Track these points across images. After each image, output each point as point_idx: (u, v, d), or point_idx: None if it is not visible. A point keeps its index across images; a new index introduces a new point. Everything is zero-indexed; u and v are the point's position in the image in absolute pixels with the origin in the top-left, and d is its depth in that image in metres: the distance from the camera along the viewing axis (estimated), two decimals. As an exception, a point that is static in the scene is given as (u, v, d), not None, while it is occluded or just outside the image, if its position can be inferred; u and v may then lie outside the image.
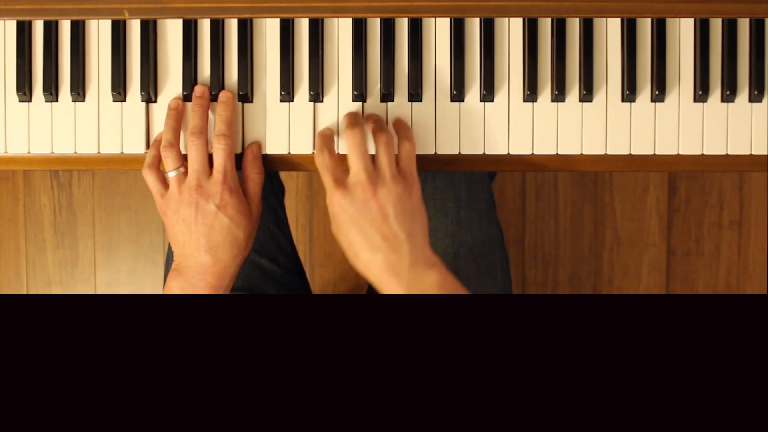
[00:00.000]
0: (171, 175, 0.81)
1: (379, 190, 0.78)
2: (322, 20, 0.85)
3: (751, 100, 0.86)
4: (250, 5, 0.85)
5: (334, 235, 0.81)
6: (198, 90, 0.84)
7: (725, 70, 0.85)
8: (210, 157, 0.82)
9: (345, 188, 0.78)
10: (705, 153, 0.86)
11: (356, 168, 0.78)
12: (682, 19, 0.85)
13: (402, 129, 0.83)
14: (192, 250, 0.81)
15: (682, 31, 0.86)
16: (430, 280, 0.77)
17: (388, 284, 0.78)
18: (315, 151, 0.82)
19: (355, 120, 0.82)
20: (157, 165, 0.83)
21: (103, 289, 1.61)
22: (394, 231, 0.77)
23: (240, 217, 0.81)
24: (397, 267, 0.77)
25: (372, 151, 0.81)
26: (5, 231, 1.61)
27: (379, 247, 0.77)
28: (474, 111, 0.85)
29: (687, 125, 0.86)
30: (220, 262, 0.81)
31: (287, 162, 0.86)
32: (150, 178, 0.83)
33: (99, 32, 0.86)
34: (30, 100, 0.86)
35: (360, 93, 0.85)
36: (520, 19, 0.85)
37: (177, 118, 0.84)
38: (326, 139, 0.82)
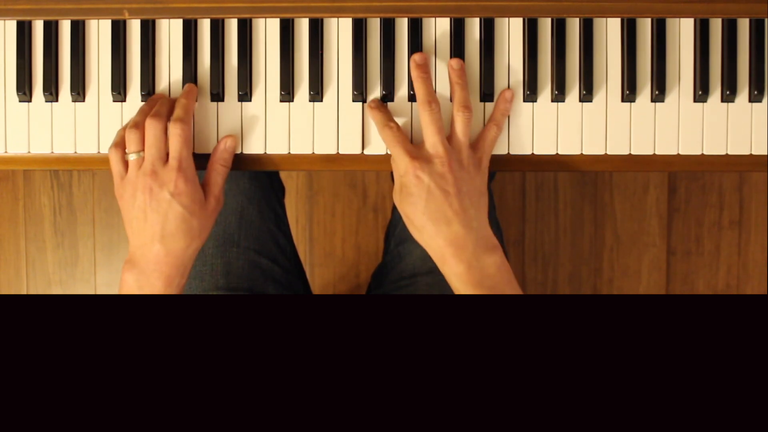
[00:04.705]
0: (131, 157, 0.80)
1: (455, 166, 0.79)
2: (322, 20, 0.85)
3: (751, 100, 0.86)
4: (250, 5, 0.85)
5: (397, 206, 0.82)
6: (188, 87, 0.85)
7: (725, 70, 0.85)
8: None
9: (423, 160, 0.79)
10: (705, 153, 0.86)
11: (434, 141, 0.80)
12: (682, 19, 0.85)
13: (498, 113, 0.84)
14: (146, 239, 0.80)
15: (682, 31, 0.86)
16: (490, 261, 0.79)
17: (451, 257, 0.79)
18: (378, 126, 0.83)
19: (431, 92, 0.82)
20: (124, 145, 0.82)
21: (103, 289, 1.61)
22: (464, 206, 0.79)
23: (194, 207, 0.80)
24: (463, 242, 0.78)
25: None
26: (5, 231, 1.61)
27: (450, 220, 0.78)
28: (474, 111, 0.85)
29: (687, 125, 0.86)
30: (173, 252, 0.80)
31: (287, 162, 0.86)
32: (113, 158, 0.81)
33: (99, 32, 0.86)
34: (30, 100, 0.86)
35: (360, 93, 0.85)
36: (520, 19, 0.85)
37: (151, 104, 0.83)
38: (387, 112, 0.84)
